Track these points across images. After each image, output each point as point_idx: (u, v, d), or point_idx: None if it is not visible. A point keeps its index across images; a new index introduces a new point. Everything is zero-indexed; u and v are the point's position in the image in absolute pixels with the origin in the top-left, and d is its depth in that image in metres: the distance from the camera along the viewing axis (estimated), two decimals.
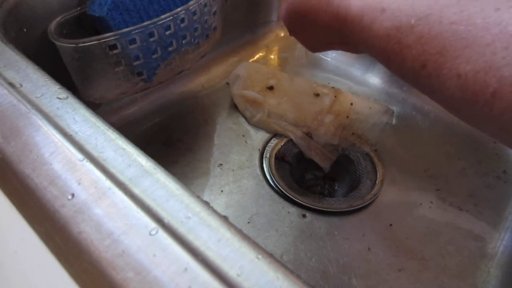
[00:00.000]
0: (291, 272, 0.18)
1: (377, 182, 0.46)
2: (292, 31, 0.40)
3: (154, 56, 0.40)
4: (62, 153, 0.23)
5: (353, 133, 0.50)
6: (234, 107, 0.55)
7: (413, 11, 0.25)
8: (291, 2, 0.36)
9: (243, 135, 0.52)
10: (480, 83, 0.22)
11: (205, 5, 0.42)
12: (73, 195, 0.21)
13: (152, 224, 0.19)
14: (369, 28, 0.28)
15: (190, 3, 0.40)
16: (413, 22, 0.25)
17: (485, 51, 0.22)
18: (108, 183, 0.21)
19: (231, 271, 0.17)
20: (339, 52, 0.56)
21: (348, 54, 0.59)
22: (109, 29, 0.39)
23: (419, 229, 0.42)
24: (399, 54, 0.26)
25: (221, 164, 0.48)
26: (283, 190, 0.44)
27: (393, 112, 0.54)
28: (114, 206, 0.20)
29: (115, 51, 0.37)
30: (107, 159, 0.22)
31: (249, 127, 0.53)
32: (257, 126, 0.52)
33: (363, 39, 0.29)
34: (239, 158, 0.48)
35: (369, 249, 0.40)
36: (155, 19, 0.38)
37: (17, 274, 0.23)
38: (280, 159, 0.49)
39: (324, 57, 0.63)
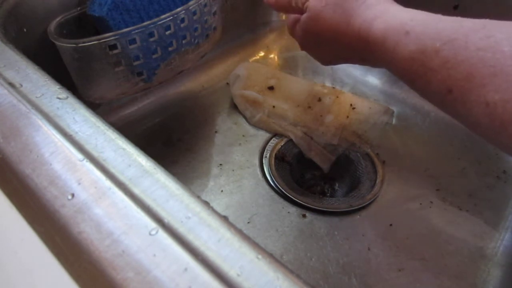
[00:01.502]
0: (291, 272, 0.18)
1: (377, 182, 0.46)
2: (305, 47, 0.40)
3: (154, 56, 0.40)
4: (62, 153, 0.23)
5: (353, 133, 0.50)
6: (234, 107, 0.55)
7: (438, 35, 0.25)
8: (306, 21, 0.36)
9: (243, 135, 0.51)
10: (509, 113, 0.22)
11: (205, 5, 0.42)
12: (73, 195, 0.21)
13: (152, 224, 0.19)
14: (393, 50, 0.28)
15: (190, 3, 0.40)
16: (438, 46, 0.25)
17: None
18: (108, 183, 0.21)
19: (231, 271, 0.17)
20: None
21: None
22: (109, 29, 0.39)
23: (419, 229, 0.42)
24: (423, 77, 0.26)
25: (221, 164, 0.48)
26: (283, 190, 0.44)
27: (393, 112, 0.54)
28: (114, 206, 0.20)
29: (115, 51, 0.37)
30: (107, 159, 0.22)
31: (249, 127, 0.53)
32: (257, 126, 0.52)
33: (387, 61, 0.29)
34: (239, 158, 0.48)
35: (369, 249, 0.40)
36: (155, 19, 0.38)
37: (17, 274, 0.23)
38: (280, 159, 0.49)
39: None
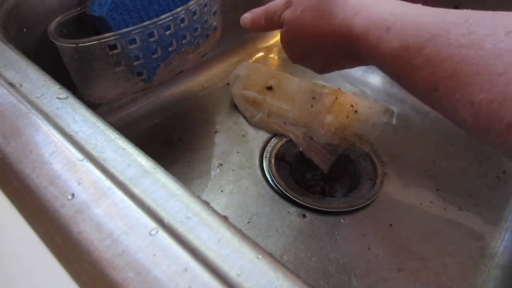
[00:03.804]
0: (291, 272, 0.18)
1: (377, 182, 0.46)
2: (295, 59, 0.39)
3: (154, 56, 0.40)
4: (62, 153, 0.23)
5: (353, 133, 0.50)
6: (234, 107, 0.55)
7: (419, 31, 0.25)
8: (287, 34, 0.35)
9: (243, 135, 0.51)
10: (494, 113, 0.21)
11: (205, 5, 0.42)
12: (73, 195, 0.21)
13: (152, 224, 0.19)
14: (376, 47, 0.27)
15: (190, 3, 0.40)
16: (421, 42, 0.24)
17: (498, 81, 0.21)
18: (108, 183, 0.21)
19: (231, 271, 0.17)
20: None
21: None
22: (109, 29, 0.39)
23: (419, 229, 0.42)
24: (409, 75, 0.26)
25: (221, 164, 0.48)
26: (283, 190, 0.44)
27: (393, 112, 0.54)
28: (114, 206, 0.20)
29: (115, 51, 0.37)
30: (107, 159, 0.22)
31: (249, 127, 0.53)
32: (257, 126, 0.52)
33: (371, 57, 0.29)
34: (239, 158, 0.48)
35: (369, 249, 0.40)
36: (155, 19, 0.38)
37: (17, 274, 0.23)
38: (280, 159, 0.49)
39: None
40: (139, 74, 0.40)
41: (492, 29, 0.22)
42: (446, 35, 0.23)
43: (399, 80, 0.28)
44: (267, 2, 0.40)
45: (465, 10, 0.24)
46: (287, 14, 0.35)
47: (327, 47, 0.34)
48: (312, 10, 0.33)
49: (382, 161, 0.48)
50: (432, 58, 0.24)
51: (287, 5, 0.35)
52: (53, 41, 0.37)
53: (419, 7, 0.27)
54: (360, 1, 0.30)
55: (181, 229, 0.19)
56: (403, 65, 0.26)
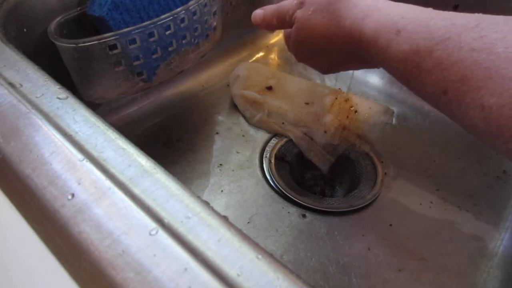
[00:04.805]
0: (291, 272, 0.18)
1: (377, 182, 0.46)
2: (301, 59, 0.39)
3: (154, 56, 0.40)
4: (62, 153, 0.23)
5: (353, 133, 0.50)
6: (234, 107, 0.55)
7: (430, 34, 0.25)
8: (297, 33, 0.35)
9: (243, 135, 0.51)
10: (506, 118, 0.21)
11: (205, 5, 0.42)
12: (73, 195, 0.21)
13: (152, 224, 0.19)
14: (386, 50, 0.27)
15: (190, 3, 0.40)
16: (431, 46, 0.24)
17: (510, 85, 0.21)
18: (108, 183, 0.21)
19: (231, 271, 0.17)
20: None
21: None
22: (109, 29, 0.39)
23: (419, 229, 0.42)
24: (418, 78, 0.26)
25: (221, 164, 0.48)
26: (283, 190, 0.44)
27: (393, 112, 0.54)
28: (114, 206, 0.20)
29: (115, 51, 0.37)
30: (107, 159, 0.22)
31: (249, 127, 0.53)
32: (257, 126, 0.52)
33: (381, 60, 0.29)
34: (239, 158, 0.48)
35: (369, 249, 0.40)
36: (155, 19, 0.38)
37: (17, 274, 0.23)
38: (280, 159, 0.49)
39: None
40: (139, 74, 0.40)
41: (504, 33, 0.22)
42: (457, 38, 0.23)
43: (408, 83, 0.27)
44: (266, 4, 0.40)
45: (476, 14, 0.24)
46: (299, 14, 0.35)
47: (334, 49, 0.34)
48: (322, 11, 0.33)
49: (382, 161, 0.48)
50: (442, 61, 0.24)
51: (300, 5, 0.35)
52: (53, 41, 0.37)
53: (430, 11, 0.27)
54: (370, 4, 0.30)
55: (181, 229, 0.19)
56: (413, 68, 0.26)
